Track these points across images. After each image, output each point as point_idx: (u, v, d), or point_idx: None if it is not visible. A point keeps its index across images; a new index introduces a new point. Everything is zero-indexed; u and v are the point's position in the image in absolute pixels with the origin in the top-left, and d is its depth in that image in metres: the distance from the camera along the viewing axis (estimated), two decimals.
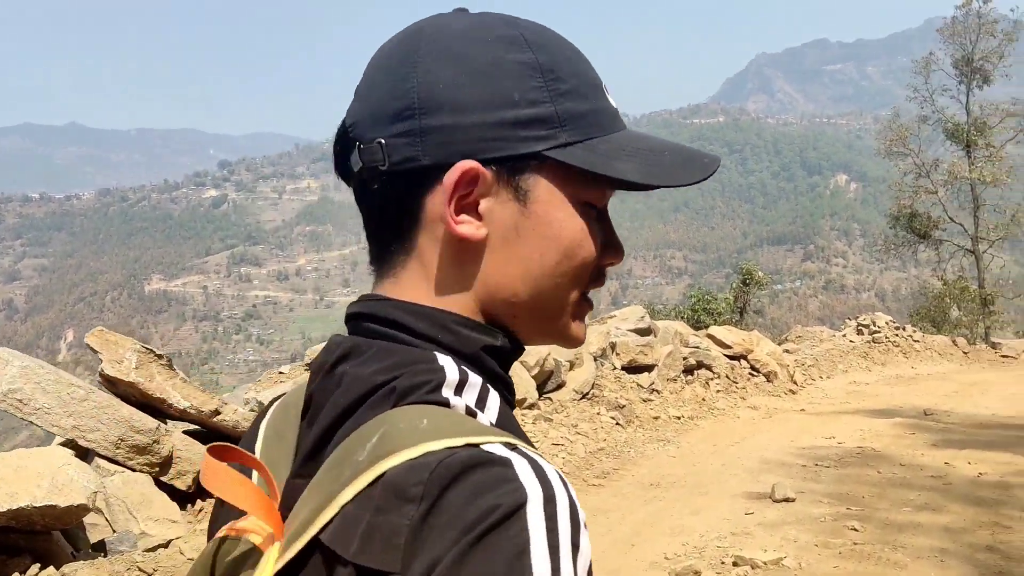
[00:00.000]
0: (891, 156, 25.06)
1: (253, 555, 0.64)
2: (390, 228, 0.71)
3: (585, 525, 0.57)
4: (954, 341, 18.18)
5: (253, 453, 0.72)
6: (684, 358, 9.80)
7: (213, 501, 0.85)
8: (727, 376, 10.41)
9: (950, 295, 25.25)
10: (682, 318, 20.09)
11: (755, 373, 11.07)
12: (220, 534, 0.67)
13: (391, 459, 0.57)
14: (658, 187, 0.70)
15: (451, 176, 0.66)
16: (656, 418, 8.02)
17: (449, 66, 0.68)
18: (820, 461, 6.42)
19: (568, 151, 0.68)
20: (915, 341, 17.13)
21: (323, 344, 0.74)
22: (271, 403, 0.78)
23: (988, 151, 23.62)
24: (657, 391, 8.65)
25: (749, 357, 11.22)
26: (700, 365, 10.05)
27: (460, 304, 0.69)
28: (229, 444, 0.69)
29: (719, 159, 0.73)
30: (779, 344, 17.71)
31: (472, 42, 0.69)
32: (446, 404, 0.63)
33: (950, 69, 24.42)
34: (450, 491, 0.55)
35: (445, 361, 0.66)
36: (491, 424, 0.64)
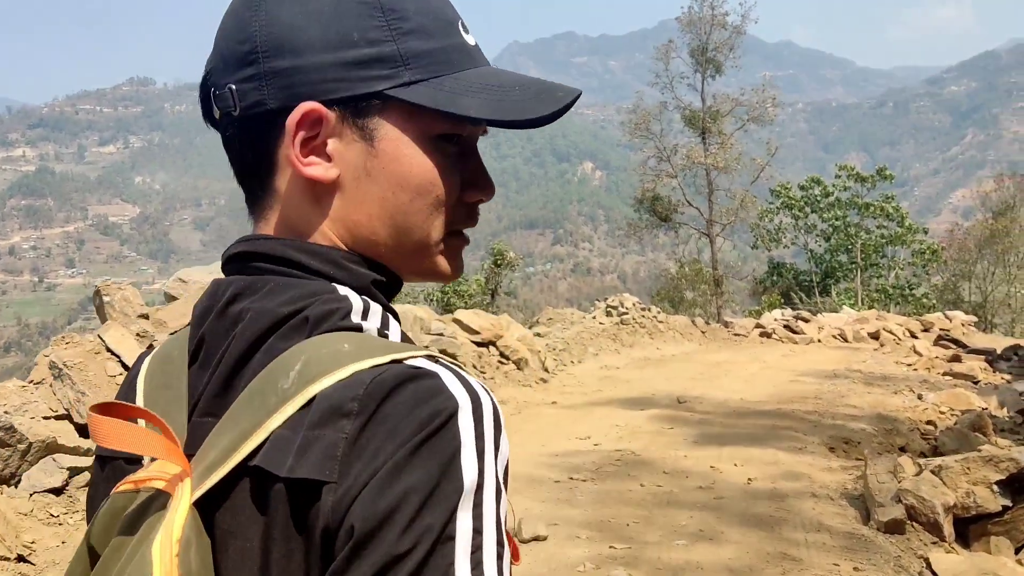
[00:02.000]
0: (635, 139, 25.66)
1: (158, 499, 0.64)
2: (251, 173, 0.73)
3: (504, 428, 0.62)
4: (693, 321, 18.63)
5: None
6: (425, 347, 8.47)
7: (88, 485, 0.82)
8: (474, 365, 9.25)
9: (686, 277, 26.47)
10: (432, 301, 18.96)
11: (505, 360, 10.02)
12: (116, 490, 0.66)
13: (321, 381, 0.60)
14: (507, 123, 0.70)
15: (292, 118, 0.68)
16: None
17: (290, 8, 0.69)
18: (576, 472, 5.34)
19: (411, 89, 0.69)
20: (659, 322, 17.24)
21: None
22: (139, 359, 0.78)
23: (720, 138, 24.88)
24: None
25: (499, 343, 10.14)
26: (443, 354, 8.77)
27: (325, 238, 0.71)
28: (112, 401, 0.69)
29: (577, 92, 0.73)
30: (530, 327, 17.09)
31: None
32: (359, 329, 0.65)
33: (688, 58, 25.42)
34: (386, 404, 0.58)
35: (346, 291, 0.68)
36: None
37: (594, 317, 17.52)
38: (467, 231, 0.78)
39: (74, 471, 4.93)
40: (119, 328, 6.53)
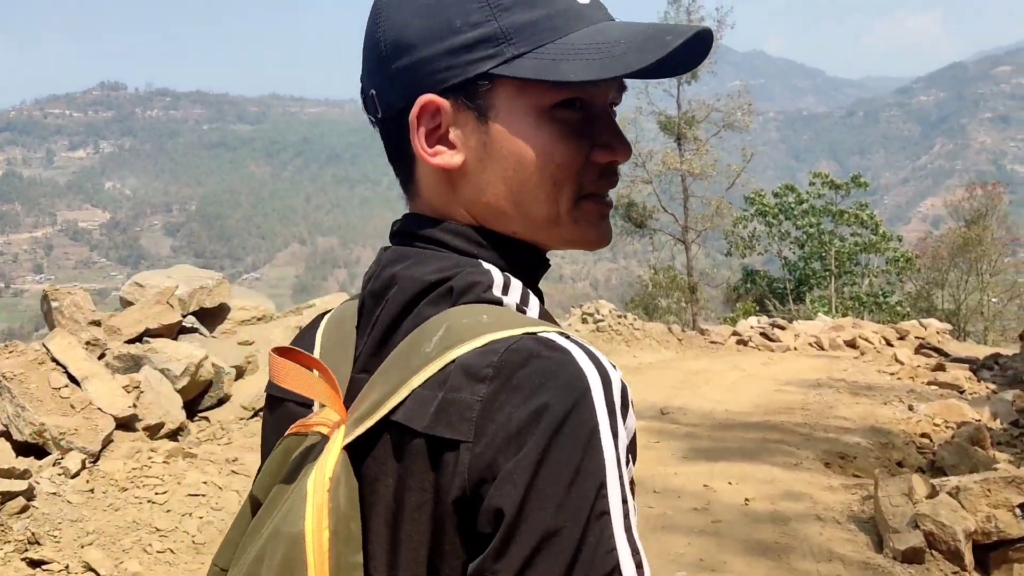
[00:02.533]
0: None
1: (319, 445, 0.71)
2: (398, 166, 0.81)
3: (632, 404, 0.66)
4: (669, 328, 18.35)
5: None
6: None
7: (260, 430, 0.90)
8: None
9: (661, 284, 26.26)
10: None
11: None
12: (288, 432, 0.74)
13: (459, 348, 0.65)
14: (613, 78, 0.71)
15: (413, 113, 0.73)
16: None
17: (404, 8, 0.74)
18: None
19: (515, 64, 0.71)
20: (636, 329, 16.95)
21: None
22: (318, 317, 0.86)
23: (695, 144, 24.70)
24: None
25: None
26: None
27: (466, 218, 0.77)
28: (292, 347, 0.77)
29: (693, 30, 0.71)
30: None
31: None
32: (499, 303, 0.71)
33: None
34: (519, 372, 0.63)
35: (489, 267, 0.74)
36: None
37: (569, 324, 17.19)
38: (609, 193, 0.79)
39: (7, 496, 4.37)
40: (66, 336, 6.00)
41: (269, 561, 0.67)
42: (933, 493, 3.71)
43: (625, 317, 17.43)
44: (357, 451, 0.69)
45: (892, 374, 12.08)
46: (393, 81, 0.75)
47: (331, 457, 0.68)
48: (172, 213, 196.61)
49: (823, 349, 18.69)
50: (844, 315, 26.42)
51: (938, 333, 21.47)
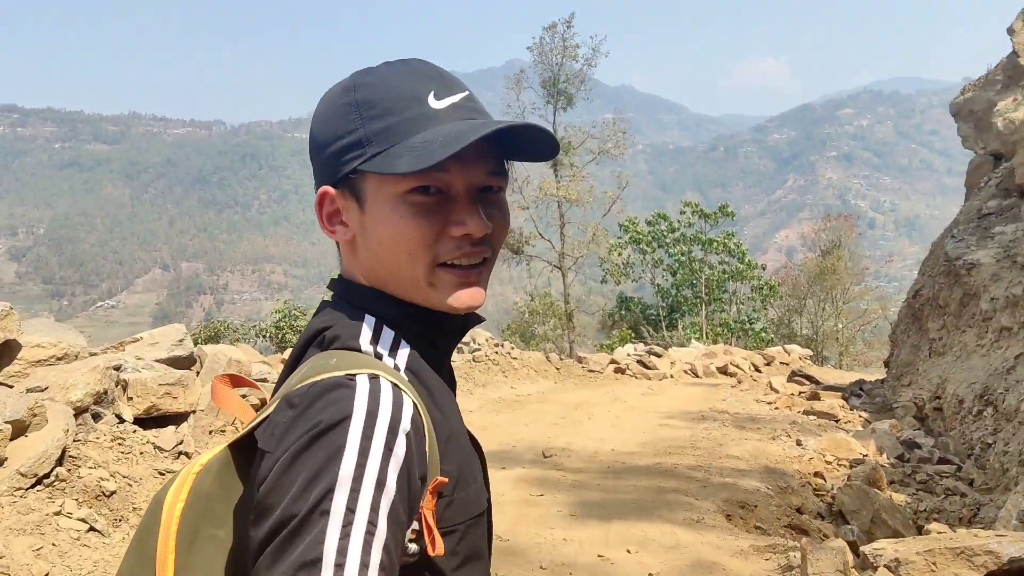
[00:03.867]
0: None
1: None
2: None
3: (407, 434, 0.78)
4: (547, 357, 17.82)
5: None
6: (243, 397, 6.97)
7: None
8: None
9: (539, 311, 25.84)
10: (265, 337, 17.13)
11: None
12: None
13: (305, 383, 0.82)
14: (428, 169, 0.86)
15: (315, 200, 0.95)
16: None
17: (316, 117, 0.96)
18: None
19: (372, 161, 0.89)
20: (514, 358, 16.30)
21: None
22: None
23: (572, 171, 24.54)
24: (187, 454, 5.66)
25: None
26: (266, 404, 7.29)
27: (363, 281, 0.96)
28: (238, 375, 1.04)
29: (494, 127, 0.86)
30: None
31: (328, 98, 0.95)
32: (356, 350, 0.88)
33: (539, 88, 25.02)
34: (314, 403, 0.78)
35: (369, 319, 0.92)
36: (397, 366, 0.89)
37: None
38: (470, 262, 0.93)
39: None
40: None
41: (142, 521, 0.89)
42: (867, 565, 3.15)
43: (502, 346, 16.77)
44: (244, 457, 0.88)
45: (770, 403, 11.93)
46: (314, 173, 0.96)
47: (214, 450, 0.89)
48: (17, 236, 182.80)
49: (698, 376, 18.73)
50: (714, 341, 26.87)
51: (800, 359, 22.08)
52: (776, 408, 11.40)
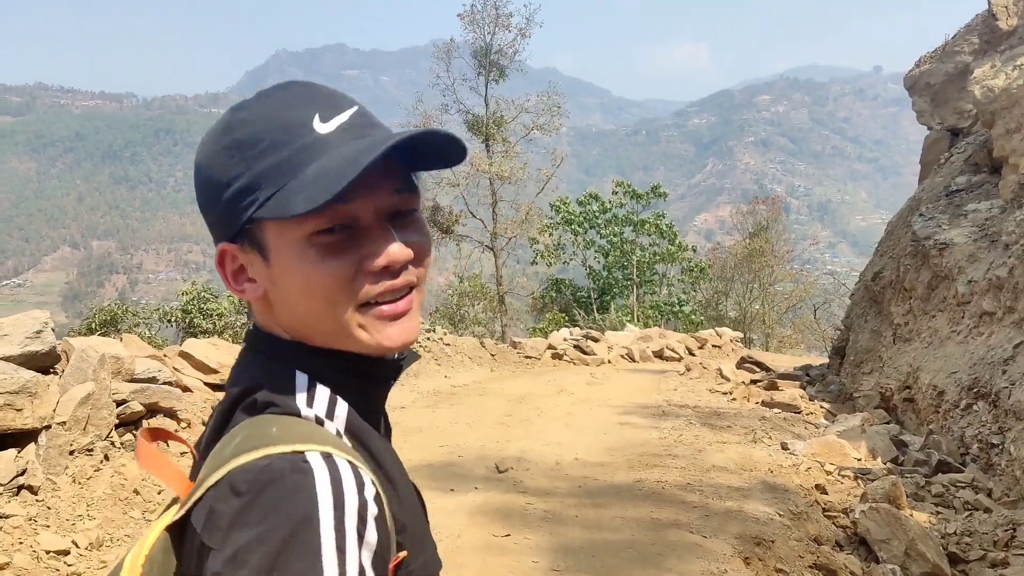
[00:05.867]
0: None
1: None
2: None
3: (375, 518, 0.72)
4: (482, 343, 16.68)
5: None
6: (121, 403, 5.56)
7: None
8: (203, 422, 6.43)
9: (468, 293, 24.65)
10: (170, 322, 15.43)
11: None
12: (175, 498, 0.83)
13: (242, 458, 0.72)
14: (327, 204, 0.76)
15: (216, 259, 0.84)
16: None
17: (196, 178, 0.84)
18: None
19: (264, 207, 0.78)
20: (447, 344, 15.10)
21: None
22: None
23: (504, 146, 23.34)
24: (31, 489, 4.24)
25: None
26: (154, 411, 5.89)
27: (285, 337, 0.84)
28: (162, 428, 0.88)
29: (385, 145, 0.75)
30: None
31: (207, 145, 0.83)
32: (296, 414, 0.78)
33: (471, 59, 23.67)
34: (264, 493, 0.68)
35: (300, 378, 0.81)
36: (338, 430, 0.80)
37: None
38: (396, 296, 0.82)
39: None
40: None
41: None
42: None
43: (434, 331, 15.54)
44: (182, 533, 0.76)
45: (725, 394, 11.10)
46: (210, 230, 0.84)
47: (152, 535, 0.76)
48: None
49: (635, 360, 18.01)
50: (646, 324, 26.24)
51: (732, 341, 21.64)
52: (734, 399, 10.55)
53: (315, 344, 0.83)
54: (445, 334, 15.51)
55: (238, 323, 15.52)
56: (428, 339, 14.59)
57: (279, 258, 0.79)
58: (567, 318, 26.42)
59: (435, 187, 23.06)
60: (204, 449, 0.82)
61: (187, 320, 14.85)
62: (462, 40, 23.37)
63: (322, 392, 0.80)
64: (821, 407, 10.45)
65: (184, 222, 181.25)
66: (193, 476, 0.81)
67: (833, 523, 4.89)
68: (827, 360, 16.38)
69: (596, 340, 18.62)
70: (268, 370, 0.81)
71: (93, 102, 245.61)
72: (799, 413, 9.91)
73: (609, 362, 17.41)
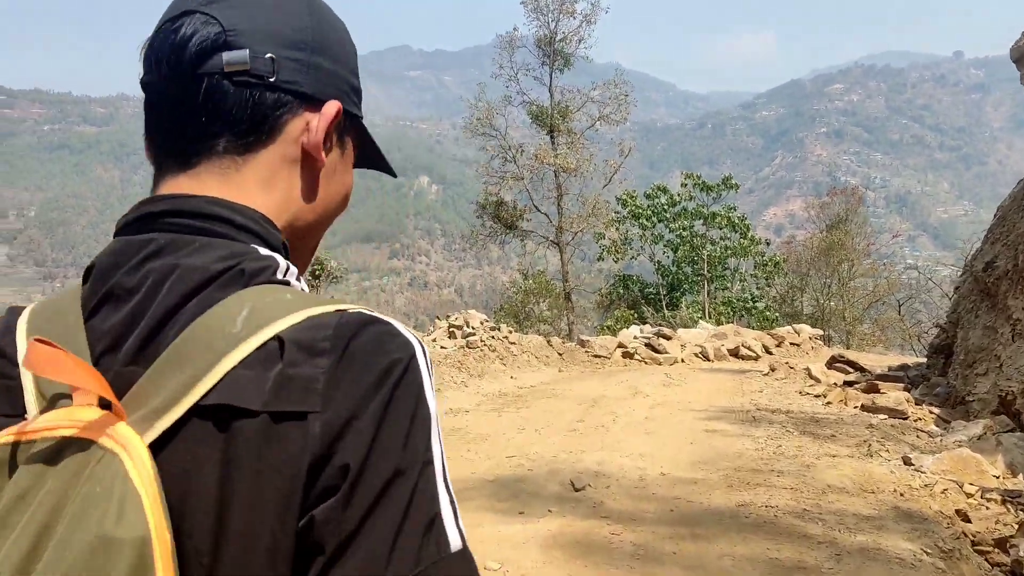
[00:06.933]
0: (476, 137, 22.78)
1: (70, 447, 0.62)
2: (230, 130, 0.75)
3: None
4: (548, 341, 15.95)
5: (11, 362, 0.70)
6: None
7: None
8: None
9: (536, 290, 23.92)
10: None
11: None
12: (4, 439, 0.63)
13: (275, 325, 0.65)
14: (390, 172, 0.91)
15: (329, 109, 0.78)
16: None
17: (332, 24, 0.82)
18: None
19: (363, 123, 0.85)
20: (511, 343, 14.41)
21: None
22: (10, 314, 0.76)
23: (570, 138, 22.52)
24: None
25: None
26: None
27: (273, 211, 0.76)
28: (48, 340, 0.65)
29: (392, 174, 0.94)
30: None
31: (334, 14, 0.84)
32: (288, 284, 0.72)
33: (534, 48, 22.92)
34: (353, 343, 0.65)
35: (268, 251, 0.73)
36: None
37: (434, 340, 14.41)
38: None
39: None
40: None
41: (104, 573, 0.59)
42: None
43: (499, 329, 14.88)
44: (161, 445, 0.63)
45: (817, 396, 10.11)
46: (307, 67, 0.77)
47: (143, 453, 0.62)
48: (8, 219, 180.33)
49: (709, 359, 17.09)
50: (718, 321, 25.09)
51: (811, 339, 20.42)
52: (829, 403, 9.56)
53: (293, 233, 0.80)
54: (510, 332, 14.84)
55: None
56: (493, 337, 13.94)
57: (347, 160, 0.83)
58: (635, 315, 25.46)
59: (499, 182, 22.40)
60: (135, 350, 0.66)
61: None
62: (526, 30, 22.63)
63: (293, 269, 0.75)
64: (930, 412, 9.39)
65: None
66: (116, 387, 0.64)
67: (986, 560, 3.98)
68: (924, 359, 15.13)
69: (668, 338, 17.73)
70: (231, 246, 0.71)
71: None
72: (906, 419, 8.88)
73: (682, 361, 16.52)
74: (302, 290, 0.73)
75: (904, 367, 13.27)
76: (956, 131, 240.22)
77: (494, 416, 8.58)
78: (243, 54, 0.73)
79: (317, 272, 16.19)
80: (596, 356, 16.28)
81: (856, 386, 10.55)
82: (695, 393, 10.46)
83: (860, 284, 33.69)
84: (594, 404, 9.29)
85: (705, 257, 28.91)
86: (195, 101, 0.74)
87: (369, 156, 0.88)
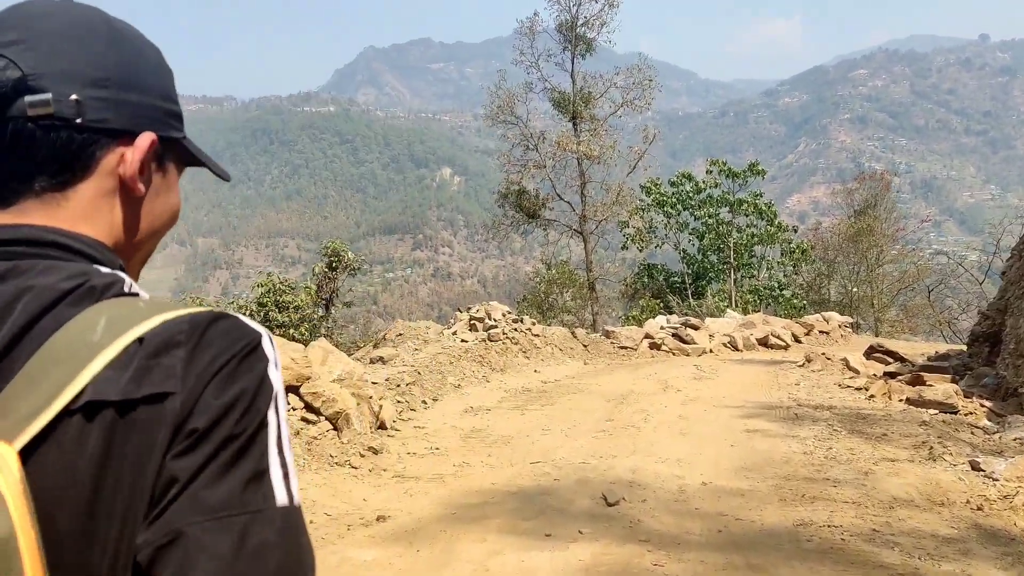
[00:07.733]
0: (497, 125, 22.24)
1: None
2: (43, 171, 0.77)
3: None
4: (573, 333, 15.43)
5: None
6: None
7: None
8: None
9: (559, 280, 23.40)
10: (246, 314, 14.78)
11: (313, 418, 6.28)
12: None
13: (135, 330, 0.70)
14: (223, 176, 0.95)
15: (143, 141, 0.81)
16: None
17: (139, 53, 0.83)
18: None
19: (186, 142, 0.89)
20: (535, 335, 13.91)
21: None
22: None
23: (592, 124, 21.92)
24: None
25: (303, 389, 6.40)
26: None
27: (102, 238, 0.81)
28: None
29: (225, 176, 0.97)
30: (375, 346, 13.32)
31: (142, 40, 0.86)
32: (138, 295, 0.78)
33: (555, 33, 22.31)
34: (207, 333, 0.72)
35: (109, 270, 0.78)
36: None
37: (454, 333, 13.91)
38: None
39: None
40: None
41: None
42: None
43: (521, 321, 14.37)
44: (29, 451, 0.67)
45: (859, 389, 9.53)
46: (114, 104, 0.79)
47: (10, 457, 0.66)
48: None
49: (738, 349, 16.51)
50: (745, 310, 24.42)
51: (840, 327, 19.78)
52: (873, 397, 8.99)
53: (124, 255, 0.85)
54: (533, 324, 14.33)
55: (315, 315, 14.73)
56: (515, 330, 13.44)
57: (170, 183, 0.87)
58: (661, 304, 24.85)
59: (521, 170, 21.86)
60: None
61: (263, 313, 14.13)
62: (547, 16, 22.03)
63: (136, 286, 0.81)
64: (981, 406, 8.78)
65: (280, 218, 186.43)
66: None
67: None
68: (957, 347, 14.41)
69: (696, 328, 17.15)
70: (75, 267, 0.76)
71: (196, 106, 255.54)
72: (956, 413, 8.30)
73: (711, 351, 15.96)
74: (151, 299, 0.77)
75: (946, 356, 12.62)
76: (982, 115, 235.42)
77: (517, 415, 8.10)
78: (46, 97, 0.75)
79: (333, 264, 15.76)
80: (622, 348, 15.73)
81: (899, 378, 9.94)
82: (728, 387, 9.92)
83: (888, 270, 32.80)
84: (623, 400, 8.78)
85: (732, 245, 28.20)
86: (3, 144, 0.75)
87: (203, 161, 0.91)
